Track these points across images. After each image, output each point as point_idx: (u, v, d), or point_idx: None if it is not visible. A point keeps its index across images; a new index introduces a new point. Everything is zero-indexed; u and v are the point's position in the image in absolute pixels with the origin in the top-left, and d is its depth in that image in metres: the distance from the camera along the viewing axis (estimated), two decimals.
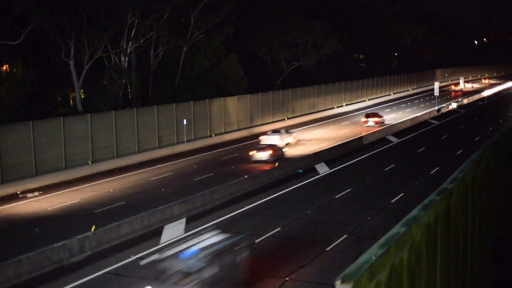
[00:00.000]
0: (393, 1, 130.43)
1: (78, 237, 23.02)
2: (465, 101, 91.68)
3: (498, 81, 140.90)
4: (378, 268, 3.69)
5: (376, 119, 64.65)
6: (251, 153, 43.92)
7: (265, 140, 50.02)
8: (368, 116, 65.85)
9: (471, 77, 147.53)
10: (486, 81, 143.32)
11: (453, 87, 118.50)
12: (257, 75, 78.24)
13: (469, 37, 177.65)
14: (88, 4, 48.81)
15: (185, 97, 59.51)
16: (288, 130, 54.26)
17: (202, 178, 38.36)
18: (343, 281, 3.31)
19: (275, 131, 52.46)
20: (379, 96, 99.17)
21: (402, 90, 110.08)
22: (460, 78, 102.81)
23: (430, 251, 5.01)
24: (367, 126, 63.41)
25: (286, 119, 69.63)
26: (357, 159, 44.64)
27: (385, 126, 60.30)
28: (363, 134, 53.37)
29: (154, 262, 17.71)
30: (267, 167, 40.21)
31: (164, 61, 62.47)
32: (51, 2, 47.30)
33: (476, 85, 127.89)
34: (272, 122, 66.16)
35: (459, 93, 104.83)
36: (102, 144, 44.12)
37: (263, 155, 42.87)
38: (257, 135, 56.82)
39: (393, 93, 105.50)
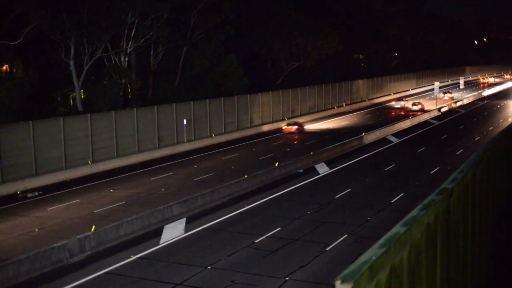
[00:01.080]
0: (393, 1, 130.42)
1: (78, 237, 23.03)
2: (465, 101, 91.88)
3: None
4: (378, 268, 3.69)
5: (450, 95, 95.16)
6: (414, 102, 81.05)
7: (395, 104, 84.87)
8: (444, 93, 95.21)
9: (478, 75, 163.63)
10: (508, 76, 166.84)
11: (481, 79, 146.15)
12: (257, 75, 78.21)
13: (469, 37, 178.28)
14: (88, 4, 48.80)
15: (185, 97, 59.47)
16: (405, 98, 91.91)
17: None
18: (343, 281, 3.31)
19: (399, 99, 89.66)
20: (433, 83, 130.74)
21: (443, 81, 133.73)
22: (460, 78, 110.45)
23: (430, 251, 5.01)
24: (444, 99, 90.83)
25: (392, 94, 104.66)
26: (357, 159, 44.64)
27: (386, 128, 60.65)
28: (363, 134, 53.42)
29: None
30: (419, 113, 72.75)
31: (164, 61, 62.43)
32: (51, 2, 47.29)
33: (498, 79, 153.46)
34: (384, 95, 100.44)
35: (486, 84, 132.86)
36: (102, 144, 44.11)
37: (417, 107, 78.15)
38: (375, 104, 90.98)
39: (447, 81, 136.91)
